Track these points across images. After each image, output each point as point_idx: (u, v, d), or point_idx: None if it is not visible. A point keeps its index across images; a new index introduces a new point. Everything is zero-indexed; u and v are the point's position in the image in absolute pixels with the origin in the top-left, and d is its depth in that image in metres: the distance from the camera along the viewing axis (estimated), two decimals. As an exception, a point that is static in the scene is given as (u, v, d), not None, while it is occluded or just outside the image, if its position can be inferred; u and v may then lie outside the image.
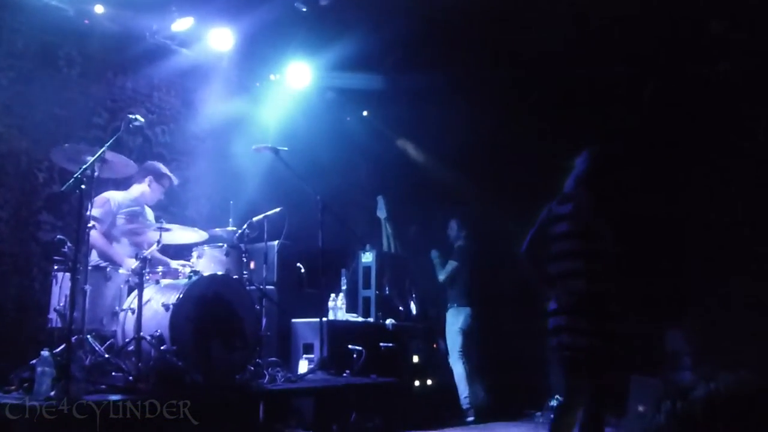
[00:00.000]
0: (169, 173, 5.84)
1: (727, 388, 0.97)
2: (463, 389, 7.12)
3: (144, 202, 5.75)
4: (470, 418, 6.97)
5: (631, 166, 5.65)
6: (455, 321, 7.35)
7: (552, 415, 3.94)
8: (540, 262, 3.93)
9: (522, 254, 3.94)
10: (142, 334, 4.41)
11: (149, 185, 5.72)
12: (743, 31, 6.36)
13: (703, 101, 6.84)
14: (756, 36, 6.34)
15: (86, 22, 6.27)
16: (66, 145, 4.74)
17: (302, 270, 6.55)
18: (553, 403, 7.46)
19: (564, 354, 3.77)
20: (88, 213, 4.89)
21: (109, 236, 5.39)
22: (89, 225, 4.53)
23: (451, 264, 7.48)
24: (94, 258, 5.20)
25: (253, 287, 5.45)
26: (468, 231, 7.65)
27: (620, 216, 3.99)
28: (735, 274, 6.35)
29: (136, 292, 4.62)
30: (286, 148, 5.94)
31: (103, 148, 4.46)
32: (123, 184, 5.76)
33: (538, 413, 7.45)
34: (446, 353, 7.33)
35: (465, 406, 7.07)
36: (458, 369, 7.19)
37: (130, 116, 4.77)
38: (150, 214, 5.81)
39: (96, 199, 5.37)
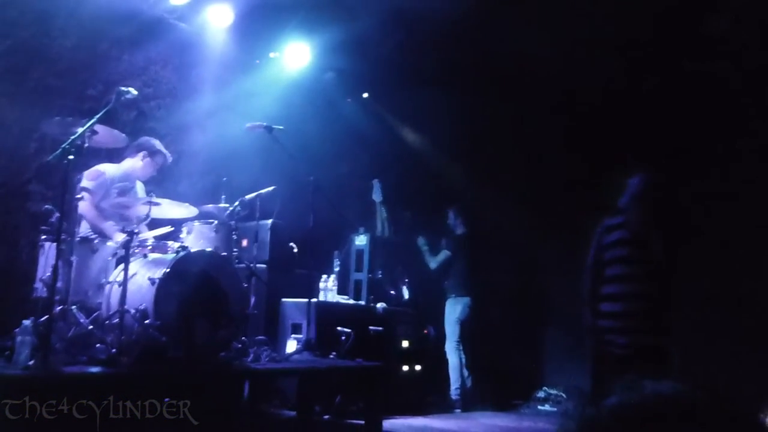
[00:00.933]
0: (163, 150, 5.80)
1: (641, 397, 0.95)
2: (455, 379, 7.12)
3: (136, 177, 5.72)
4: (457, 410, 6.97)
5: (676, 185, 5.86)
6: (453, 311, 7.32)
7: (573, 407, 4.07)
8: (600, 271, 4.39)
9: (588, 267, 4.44)
10: (126, 307, 4.37)
11: (142, 160, 5.69)
12: (743, 29, 6.30)
13: (702, 100, 6.80)
14: (756, 34, 6.28)
15: (82, -9, 6.20)
16: (56, 117, 4.68)
17: (294, 250, 6.51)
18: (540, 394, 7.47)
19: (613, 352, 4.17)
20: (79, 185, 4.88)
21: (100, 209, 5.35)
22: (77, 196, 4.49)
23: (444, 254, 7.47)
24: (84, 229, 5.18)
25: (243, 265, 5.41)
26: (464, 219, 7.60)
27: (668, 227, 4.43)
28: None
29: (122, 265, 4.57)
30: (281, 127, 5.88)
31: (93, 120, 4.41)
32: (117, 157, 5.72)
33: (524, 404, 7.46)
34: (436, 340, 7.32)
35: (454, 397, 7.06)
36: (454, 359, 7.17)
37: (122, 89, 4.70)
38: (141, 189, 5.77)
39: (90, 171, 5.36)
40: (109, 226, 5.25)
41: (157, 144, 5.78)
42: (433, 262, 7.48)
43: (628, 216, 4.38)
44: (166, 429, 3.70)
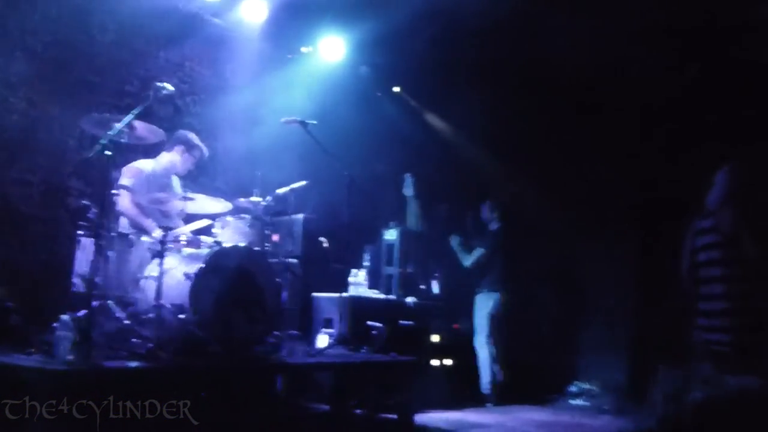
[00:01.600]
0: (200, 144, 5.86)
1: (726, 393, 0.93)
2: (486, 374, 7.08)
3: (174, 171, 5.78)
4: (489, 404, 6.93)
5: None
6: (485, 305, 7.28)
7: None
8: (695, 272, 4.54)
9: (684, 271, 4.59)
10: (162, 302, 4.44)
11: (180, 155, 5.75)
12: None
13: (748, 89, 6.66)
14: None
15: (120, -11, 6.29)
16: (95, 113, 4.77)
17: (326, 244, 6.54)
18: (573, 389, 7.43)
19: (713, 348, 4.24)
20: (117, 181, 4.97)
21: (139, 205, 5.44)
22: (114, 192, 4.56)
23: (479, 251, 7.40)
24: (124, 225, 5.26)
25: (276, 260, 5.46)
26: (499, 213, 7.57)
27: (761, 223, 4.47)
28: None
29: (158, 260, 4.64)
30: (315, 122, 5.90)
31: (131, 116, 4.47)
32: (153, 152, 5.79)
33: (558, 398, 7.42)
34: (469, 335, 7.29)
35: (486, 391, 7.02)
36: (484, 353, 7.14)
37: (159, 84, 4.77)
38: (177, 183, 5.84)
39: (128, 167, 5.44)
40: (149, 222, 5.32)
41: (194, 138, 5.84)
42: (468, 260, 7.44)
43: (718, 218, 4.48)
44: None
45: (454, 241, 7.55)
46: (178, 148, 5.73)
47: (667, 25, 6.54)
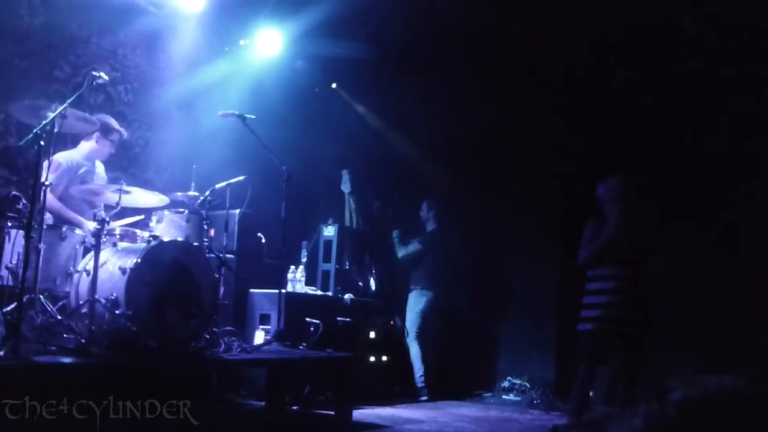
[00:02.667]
0: (118, 127, 5.67)
1: (706, 391, 0.97)
2: (418, 368, 7.18)
3: (94, 158, 5.61)
4: (423, 398, 7.03)
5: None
6: (417, 303, 7.38)
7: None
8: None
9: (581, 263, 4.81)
10: (96, 296, 4.31)
11: (97, 141, 5.57)
12: (715, 28, 6.43)
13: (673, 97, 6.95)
14: (727, 33, 6.43)
15: (51, -30, 6.05)
16: (26, 101, 4.58)
17: (263, 240, 6.48)
18: (505, 384, 7.58)
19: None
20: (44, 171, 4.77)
21: (65, 198, 5.26)
22: (45, 182, 4.39)
23: (414, 245, 7.48)
24: (48, 221, 5.06)
25: (213, 255, 5.37)
26: (436, 213, 7.65)
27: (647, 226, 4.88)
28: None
29: (92, 253, 4.50)
30: (253, 116, 5.83)
31: (65, 105, 4.33)
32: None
33: (489, 394, 7.56)
34: (403, 332, 7.36)
35: (419, 385, 7.14)
36: (414, 348, 7.25)
37: (94, 73, 4.62)
38: (101, 169, 5.69)
39: (46, 162, 5.20)
40: (74, 215, 5.16)
41: (111, 121, 5.65)
42: (402, 251, 7.49)
43: (609, 217, 4.72)
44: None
45: (395, 234, 7.61)
46: (95, 134, 5.54)
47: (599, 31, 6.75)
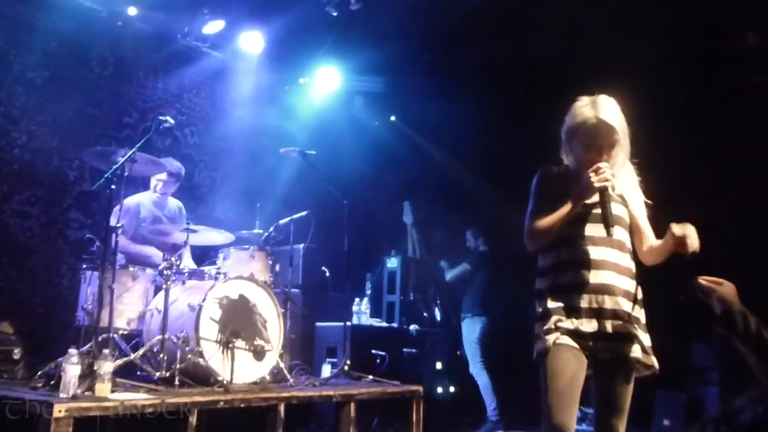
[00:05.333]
0: (175, 164, 5.70)
1: None
2: (490, 401, 6.84)
3: (161, 197, 5.71)
4: (500, 431, 6.76)
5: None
6: (471, 331, 7.05)
7: None
8: None
9: None
10: (167, 334, 4.42)
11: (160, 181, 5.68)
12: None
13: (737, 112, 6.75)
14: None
15: (119, 23, 6.35)
16: (98, 147, 4.79)
17: (327, 274, 6.54)
18: (578, 414, 7.35)
19: None
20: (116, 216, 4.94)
21: (137, 238, 5.42)
22: (117, 225, 4.55)
23: (462, 266, 7.20)
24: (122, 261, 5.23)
25: (278, 290, 5.45)
26: (485, 238, 7.40)
27: None
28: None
29: (162, 292, 4.64)
30: (313, 152, 5.93)
31: (134, 149, 4.49)
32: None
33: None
34: (467, 363, 7.21)
35: (493, 418, 6.82)
36: (483, 380, 6.92)
37: (161, 117, 4.80)
38: (174, 204, 5.81)
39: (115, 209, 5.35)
40: (147, 252, 5.32)
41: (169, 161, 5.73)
42: (449, 274, 7.25)
43: None
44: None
45: (443, 264, 7.39)
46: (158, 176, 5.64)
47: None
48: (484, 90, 7.90)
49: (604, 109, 2.85)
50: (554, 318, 2.77)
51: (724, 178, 6.64)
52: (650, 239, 2.96)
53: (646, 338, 2.84)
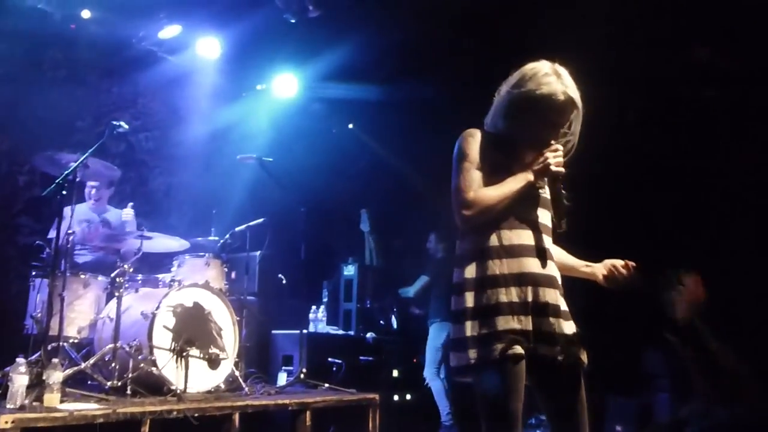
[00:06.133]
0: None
1: (720, 425, 0.97)
2: (444, 406, 6.87)
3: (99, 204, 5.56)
4: None
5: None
6: (437, 337, 7.00)
7: None
8: None
9: None
10: (119, 343, 4.35)
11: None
12: (729, 57, 6.44)
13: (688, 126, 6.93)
14: (741, 62, 6.42)
15: (72, 26, 6.25)
16: (49, 152, 4.68)
17: (283, 281, 6.51)
18: (532, 421, 7.44)
19: None
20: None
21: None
22: (69, 231, 4.46)
23: (421, 279, 7.19)
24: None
25: (234, 297, 5.41)
26: (447, 244, 7.31)
27: None
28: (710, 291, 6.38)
29: (114, 299, 4.56)
30: (271, 159, 5.91)
31: (87, 154, 4.43)
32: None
33: None
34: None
35: (447, 423, 6.90)
36: (436, 385, 6.95)
37: (114, 123, 4.73)
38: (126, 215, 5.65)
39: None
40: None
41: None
42: (411, 291, 7.22)
43: None
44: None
45: (401, 291, 7.31)
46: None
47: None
48: (443, 97, 7.97)
49: (570, 85, 2.46)
50: (500, 319, 2.32)
51: (674, 190, 6.81)
52: None
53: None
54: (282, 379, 5.82)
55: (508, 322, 2.32)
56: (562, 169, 2.43)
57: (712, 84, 6.74)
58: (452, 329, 2.45)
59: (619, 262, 2.54)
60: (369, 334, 6.82)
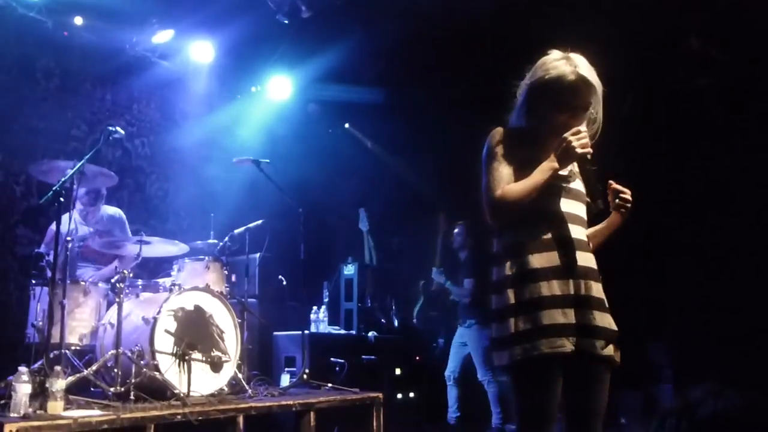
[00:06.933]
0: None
1: (734, 406, 0.97)
2: (498, 410, 6.42)
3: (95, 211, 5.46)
4: None
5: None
6: (483, 337, 6.37)
7: None
8: None
9: None
10: (121, 349, 4.34)
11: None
12: (722, 47, 6.45)
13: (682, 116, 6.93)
14: (734, 52, 6.43)
15: (65, 33, 6.23)
16: (45, 161, 4.67)
17: (284, 282, 6.51)
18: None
19: None
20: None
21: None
22: (68, 239, 4.45)
23: (470, 281, 6.63)
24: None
25: (235, 300, 5.40)
26: (475, 240, 6.80)
27: None
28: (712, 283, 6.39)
29: (115, 306, 4.55)
30: (267, 161, 5.91)
31: (83, 161, 4.41)
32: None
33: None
34: (433, 366, 7.15)
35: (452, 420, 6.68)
36: (493, 389, 6.48)
37: (110, 128, 4.71)
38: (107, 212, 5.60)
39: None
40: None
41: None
42: (463, 293, 6.64)
43: None
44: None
45: (437, 275, 6.85)
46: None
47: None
48: (439, 96, 7.97)
49: (582, 65, 2.43)
50: (544, 314, 2.29)
51: (669, 181, 6.82)
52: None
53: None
54: (285, 380, 5.82)
55: (552, 317, 2.29)
56: (588, 150, 2.38)
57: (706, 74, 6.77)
58: (495, 327, 2.42)
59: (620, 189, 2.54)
60: (371, 333, 6.81)
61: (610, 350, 2.36)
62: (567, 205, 2.46)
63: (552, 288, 2.32)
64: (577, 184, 2.52)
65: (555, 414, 2.29)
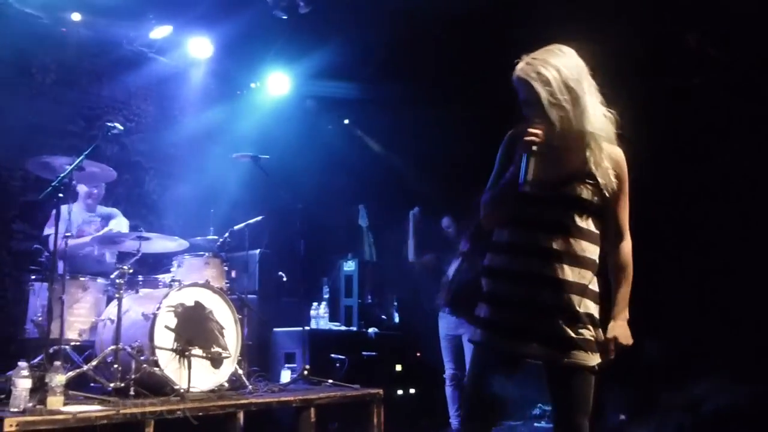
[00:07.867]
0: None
1: (739, 402, 0.94)
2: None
3: (92, 202, 5.48)
4: None
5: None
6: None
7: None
8: None
9: None
10: (121, 344, 4.32)
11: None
12: (718, 45, 6.43)
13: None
14: (730, 50, 6.42)
15: (63, 30, 6.20)
16: (42, 156, 4.63)
17: (284, 278, 6.49)
18: (536, 411, 7.43)
19: None
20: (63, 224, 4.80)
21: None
22: (66, 234, 4.42)
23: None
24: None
25: (234, 296, 5.38)
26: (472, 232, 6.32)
27: None
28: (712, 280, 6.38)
29: (115, 301, 4.53)
30: (266, 156, 5.88)
31: (81, 157, 4.38)
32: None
33: (519, 423, 7.41)
34: (433, 363, 7.12)
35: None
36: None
37: (109, 124, 4.68)
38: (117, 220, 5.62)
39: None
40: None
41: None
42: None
43: None
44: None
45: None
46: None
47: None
48: (438, 92, 7.95)
49: (525, 61, 2.47)
50: (487, 308, 2.53)
51: (666, 178, 6.80)
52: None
53: None
54: (285, 376, 5.80)
55: (489, 312, 2.52)
56: (534, 138, 2.37)
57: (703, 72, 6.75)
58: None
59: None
60: (371, 330, 6.79)
61: (553, 354, 2.43)
62: (540, 212, 2.46)
63: (497, 287, 2.51)
64: (569, 190, 2.47)
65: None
